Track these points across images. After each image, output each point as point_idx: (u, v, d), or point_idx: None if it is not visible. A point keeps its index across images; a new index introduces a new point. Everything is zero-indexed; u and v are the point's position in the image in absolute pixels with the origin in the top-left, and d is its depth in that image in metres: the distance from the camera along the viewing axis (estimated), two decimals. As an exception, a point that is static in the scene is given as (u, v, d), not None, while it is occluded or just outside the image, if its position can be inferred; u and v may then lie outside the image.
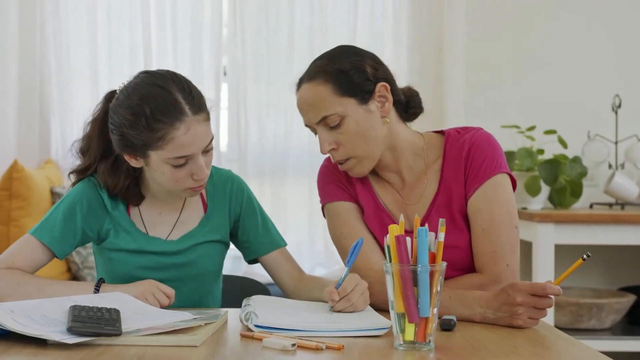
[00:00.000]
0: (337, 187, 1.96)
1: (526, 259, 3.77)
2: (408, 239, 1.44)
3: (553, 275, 3.34)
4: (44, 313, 1.50)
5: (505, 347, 1.44)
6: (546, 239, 3.35)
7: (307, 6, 3.95)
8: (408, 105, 1.93)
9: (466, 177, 1.87)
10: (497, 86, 3.94)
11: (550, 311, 3.33)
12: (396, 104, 1.89)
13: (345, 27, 3.93)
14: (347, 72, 1.83)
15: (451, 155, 1.90)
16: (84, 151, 1.90)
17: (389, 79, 1.88)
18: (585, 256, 1.56)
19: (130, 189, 1.90)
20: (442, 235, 1.45)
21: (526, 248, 3.73)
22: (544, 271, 3.32)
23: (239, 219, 2.00)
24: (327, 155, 1.91)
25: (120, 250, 1.91)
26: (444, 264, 1.43)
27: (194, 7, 3.95)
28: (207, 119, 1.82)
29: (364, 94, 1.83)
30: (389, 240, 1.45)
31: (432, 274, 1.40)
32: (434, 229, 1.73)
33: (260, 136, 3.97)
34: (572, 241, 3.40)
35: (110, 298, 1.65)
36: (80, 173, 1.92)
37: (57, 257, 1.88)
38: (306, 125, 1.89)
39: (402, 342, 1.41)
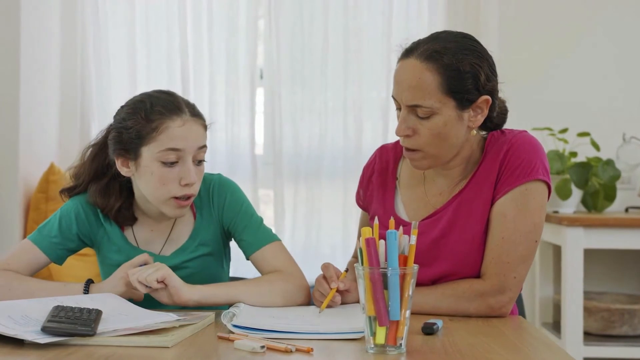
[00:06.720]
0: (362, 193, 2.04)
1: (555, 262, 3.71)
2: (382, 241, 1.43)
3: (582, 279, 3.27)
4: (25, 313, 1.53)
5: (479, 352, 1.42)
6: (575, 243, 3.27)
7: (341, 9, 3.95)
8: (491, 119, 1.86)
9: (498, 178, 1.81)
10: (530, 88, 3.88)
11: (580, 317, 3.26)
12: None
13: (379, 29, 3.93)
14: (463, 75, 1.74)
15: (490, 154, 1.85)
16: (77, 176, 1.95)
17: (494, 92, 1.80)
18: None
19: (121, 212, 1.92)
20: (414, 239, 1.43)
21: (555, 252, 3.67)
22: (572, 275, 3.24)
23: (227, 223, 1.97)
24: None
25: (112, 265, 1.93)
26: (416, 266, 1.41)
27: (230, 12, 3.98)
28: (205, 126, 1.86)
29: (465, 101, 1.76)
30: (361, 243, 1.44)
31: (403, 277, 1.39)
32: (441, 223, 1.70)
33: (295, 139, 3.99)
34: (603, 245, 3.31)
35: (99, 299, 1.67)
36: (69, 191, 1.97)
37: (54, 262, 1.93)
38: (393, 96, 1.80)
39: (372, 346, 1.40)
